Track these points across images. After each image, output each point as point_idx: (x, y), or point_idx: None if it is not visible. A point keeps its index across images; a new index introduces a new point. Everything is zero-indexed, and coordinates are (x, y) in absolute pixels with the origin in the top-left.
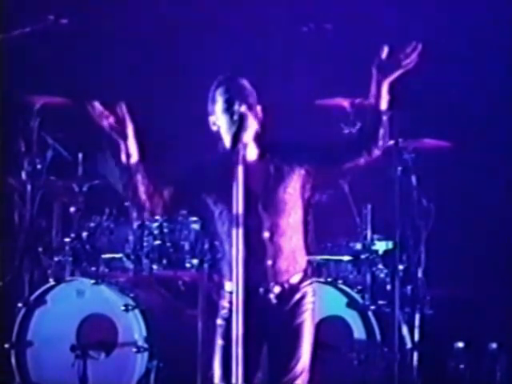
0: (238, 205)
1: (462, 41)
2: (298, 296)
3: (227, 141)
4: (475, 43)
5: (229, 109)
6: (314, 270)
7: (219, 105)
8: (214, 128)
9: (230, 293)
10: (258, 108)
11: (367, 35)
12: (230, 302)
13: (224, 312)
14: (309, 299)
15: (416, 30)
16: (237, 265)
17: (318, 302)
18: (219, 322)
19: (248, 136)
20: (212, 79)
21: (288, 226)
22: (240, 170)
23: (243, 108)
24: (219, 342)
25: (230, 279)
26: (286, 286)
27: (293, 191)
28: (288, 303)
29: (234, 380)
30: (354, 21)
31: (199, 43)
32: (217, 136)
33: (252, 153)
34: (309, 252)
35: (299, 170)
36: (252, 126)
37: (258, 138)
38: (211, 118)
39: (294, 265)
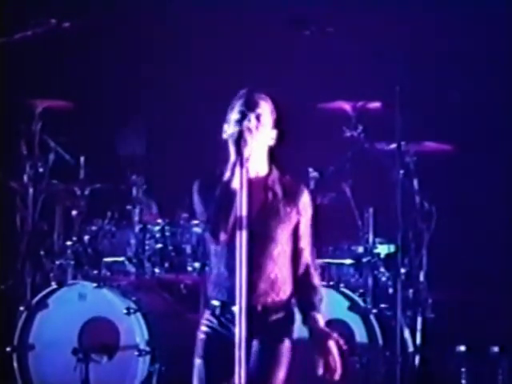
0: (242, 236)
1: (463, 43)
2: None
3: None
4: (477, 45)
5: (240, 121)
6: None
7: (234, 115)
8: (224, 136)
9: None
10: (273, 132)
11: (369, 38)
12: (214, 315)
13: (206, 324)
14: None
15: (417, 29)
16: (240, 265)
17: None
18: (200, 336)
19: (251, 150)
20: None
21: (269, 257)
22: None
23: (252, 123)
24: (197, 360)
25: (216, 299)
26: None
27: (288, 224)
28: (268, 320)
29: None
30: (355, 24)
31: (198, 45)
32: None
33: (262, 169)
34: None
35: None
36: (258, 143)
37: (269, 157)
38: (225, 126)
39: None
